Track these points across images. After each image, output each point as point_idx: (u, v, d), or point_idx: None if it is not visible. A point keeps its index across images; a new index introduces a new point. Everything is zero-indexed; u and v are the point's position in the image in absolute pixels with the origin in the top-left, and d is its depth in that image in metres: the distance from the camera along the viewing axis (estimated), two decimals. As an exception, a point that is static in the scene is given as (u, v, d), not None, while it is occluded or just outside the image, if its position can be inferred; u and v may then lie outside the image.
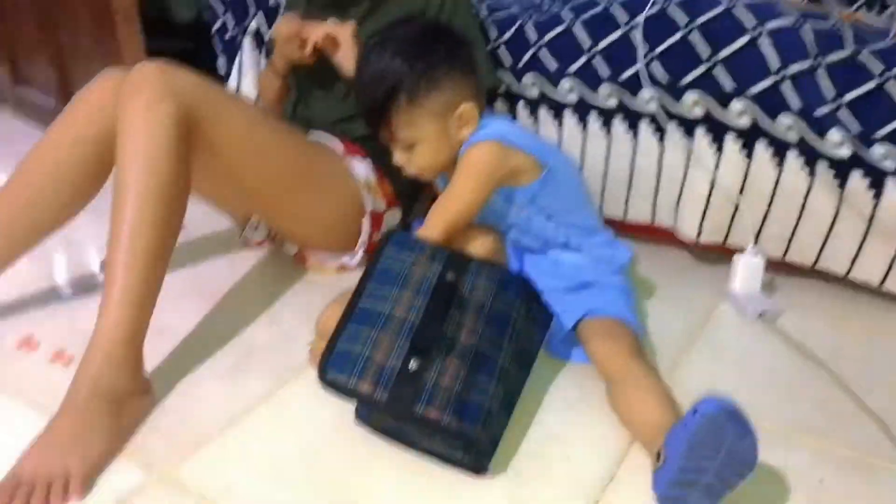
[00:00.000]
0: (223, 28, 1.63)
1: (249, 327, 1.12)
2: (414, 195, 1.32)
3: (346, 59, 1.16)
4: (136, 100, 0.94)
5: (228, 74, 1.62)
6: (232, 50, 1.61)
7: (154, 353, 0.97)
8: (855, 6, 1.42)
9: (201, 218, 1.00)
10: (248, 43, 1.57)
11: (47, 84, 1.96)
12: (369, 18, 1.22)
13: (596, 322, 1.01)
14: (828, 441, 0.89)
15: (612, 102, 1.23)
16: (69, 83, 1.88)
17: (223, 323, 1.12)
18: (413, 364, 0.82)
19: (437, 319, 0.85)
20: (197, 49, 2.06)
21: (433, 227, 0.99)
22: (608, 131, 1.26)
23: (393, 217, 1.29)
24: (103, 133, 1.00)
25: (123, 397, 0.87)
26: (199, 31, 2.28)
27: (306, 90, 1.31)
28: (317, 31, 1.17)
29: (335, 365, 0.83)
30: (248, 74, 1.58)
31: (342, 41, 1.16)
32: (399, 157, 1.04)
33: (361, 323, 0.86)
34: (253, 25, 1.56)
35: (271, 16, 1.54)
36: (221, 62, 1.67)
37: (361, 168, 1.22)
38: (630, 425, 0.88)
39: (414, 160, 1.03)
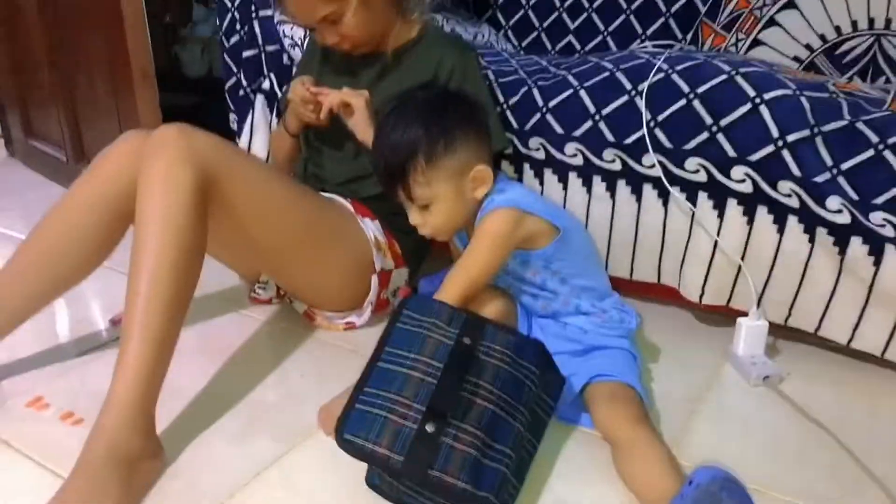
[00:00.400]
0: (236, 85, 1.67)
1: (258, 387, 1.12)
2: (420, 255, 1.35)
3: (359, 124, 1.20)
4: (157, 162, 0.96)
5: (240, 131, 1.66)
6: (244, 107, 1.65)
7: (163, 413, 0.98)
8: (847, 76, 1.47)
9: (209, 275, 1.02)
10: (259, 101, 1.61)
11: (59, 138, 2.00)
12: (380, 83, 1.26)
13: (602, 386, 1.02)
14: (835, 510, 0.90)
15: (616, 166, 1.27)
16: (81, 138, 1.92)
17: (232, 383, 1.13)
18: (429, 427, 0.83)
19: (453, 383, 0.86)
20: (208, 104, 2.12)
21: (451, 291, 1.01)
22: (612, 194, 1.29)
23: (400, 276, 1.31)
24: (123, 193, 1.03)
25: (136, 461, 0.87)
26: (209, 86, 2.35)
27: (317, 150, 1.34)
28: (332, 98, 1.21)
29: (352, 426, 0.83)
30: (259, 132, 1.61)
31: (356, 108, 1.20)
32: (415, 218, 1.07)
33: (379, 385, 0.86)
34: (265, 84, 1.61)
35: (283, 75, 1.59)
36: (232, 118, 1.70)
37: (371, 228, 1.25)
38: (635, 491, 0.89)
39: (430, 220, 1.06)
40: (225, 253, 1.21)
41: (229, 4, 1.66)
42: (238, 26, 1.65)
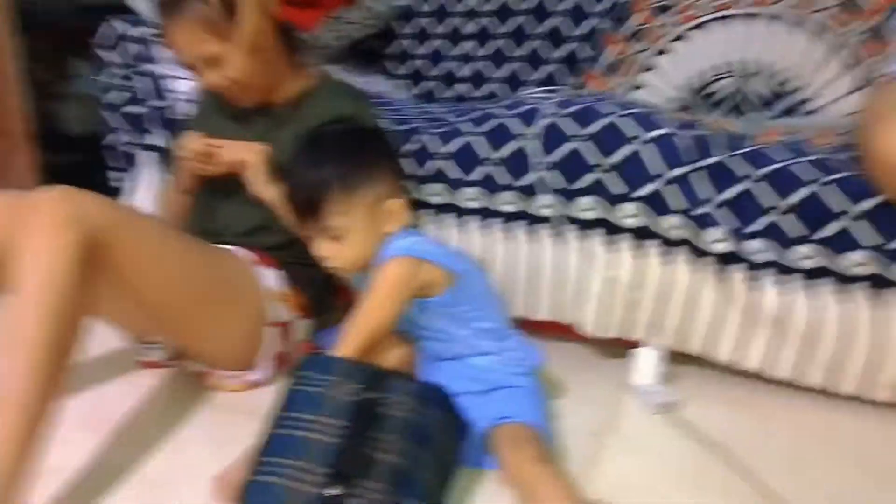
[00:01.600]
0: (117, 142, 1.60)
1: (149, 461, 1.05)
2: (325, 305, 1.31)
3: (256, 181, 1.18)
4: (37, 228, 0.90)
5: (124, 189, 1.58)
6: (127, 163, 1.58)
7: (42, 497, 0.89)
8: (715, 115, 1.57)
9: (92, 336, 0.96)
10: (143, 158, 1.55)
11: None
12: (276, 133, 1.24)
13: (505, 429, 1.01)
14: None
15: (511, 208, 1.29)
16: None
17: (120, 456, 1.05)
18: (333, 490, 0.79)
19: (356, 441, 0.84)
20: (91, 162, 2.02)
21: (350, 342, 0.99)
22: (509, 235, 1.31)
23: (302, 328, 1.27)
24: None
25: None
26: (92, 144, 2.24)
27: (212, 203, 1.29)
28: (229, 153, 1.18)
29: (253, 498, 0.80)
30: (144, 188, 1.55)
31: (252, 165, 1.17)
32: (325, 249, 1.06)
33: (277, 454, 0.83)
34: (148, 140, 1.55)
35: (167, 129, 1.54)
36: (115, 177, 1.63)
37: (272, 278, 1.21)
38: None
39: (342, 252, 1.05)
40: (110, 314, 1.13)
41: (108, 60, 1.60)
42: (117, 82, 1.59)
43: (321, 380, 0.89)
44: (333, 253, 1.06)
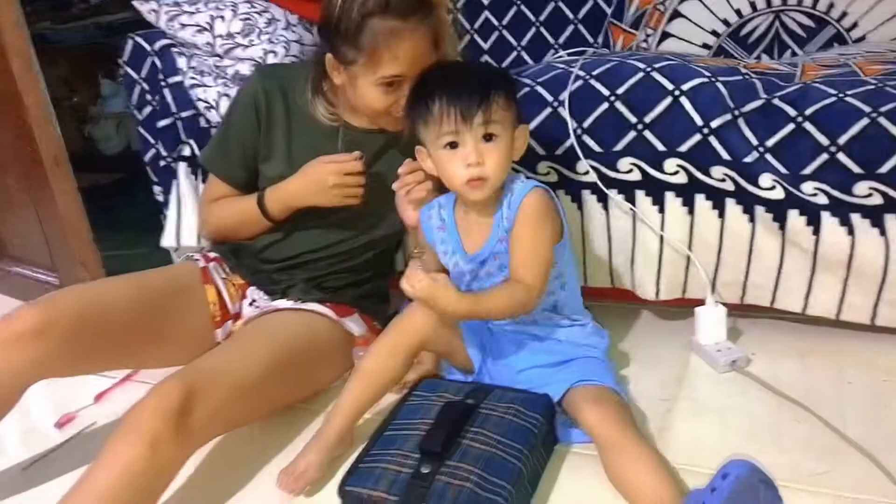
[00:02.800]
0: (156, 157, 1.62)
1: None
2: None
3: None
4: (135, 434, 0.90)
5: (167, 202, 1.61)
6: (167, 178, 1.60)
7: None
8: (755, 56, 1.51)
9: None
10: (182, 169, 1.56)
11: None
12: (385, 155, 1.23)
13: (585, 391, 1.00)
14: (823, 485, 0.90)
15: (552, 178, 1.27)
16: (0, 236, 1.84)
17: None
18: (424, 468, 0.88)
19: (445, 426, 0.93)
20: (129, 180, 2.06)
21: (537, 277, 0.99)
22: (553, 206, 1.29)
23: None
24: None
25: None
26: (129, 162, 2.28)
27: (288, 227, 1.27)
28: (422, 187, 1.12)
29: (353, 481, 0.91)
30: (186, 200, 1.56)
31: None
32: (478, 151, 0.98)
33: (383, 447, 0.95)
34: (186, 151, 1.56)
35: (202, 140, 1.55)
36: (157, 191, 1.65)
37: (355, 325, 1.23)
38: (629, 497, 0.88)
39: (493, 155, 0.99)
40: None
41: (135, 76, 1.61)
42: (149, 97, 1.60)
43: (430, 395, 1.02)
44: (485, 156, 0.99)
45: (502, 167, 1.01)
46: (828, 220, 1.11)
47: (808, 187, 1.10)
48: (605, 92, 1.20)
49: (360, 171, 1.16)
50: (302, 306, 1.21)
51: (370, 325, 1.27)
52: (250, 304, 1.28)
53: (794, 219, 1.12)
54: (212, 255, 1.32)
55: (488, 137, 0.99)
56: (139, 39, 1.61)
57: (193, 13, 1.59)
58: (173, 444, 0.90)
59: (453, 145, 0.99)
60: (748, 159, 1.12)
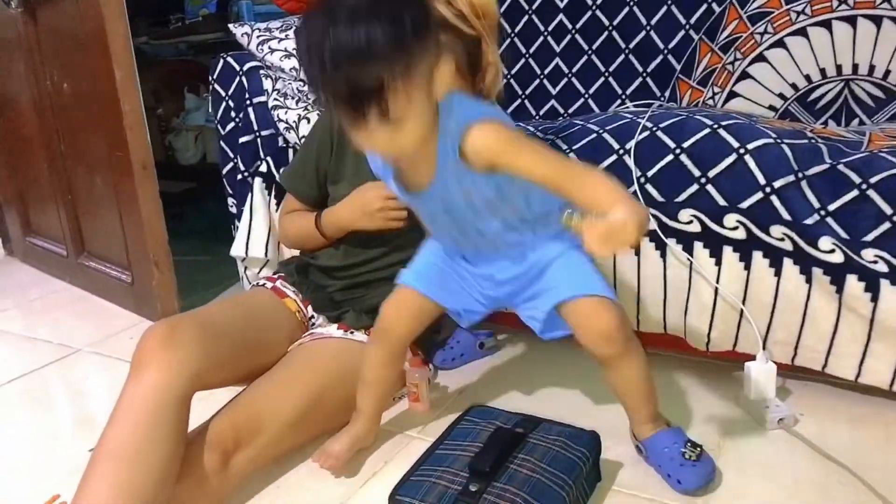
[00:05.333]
0: (234, 170, 1.71)
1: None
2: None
3: None
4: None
5: (239, 214, 1.69)
6: (242, 191, 1.69)
7: None
8: (822, 121, 1.53)
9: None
10: (258, 184, 1.65)
11: (59, 233, 2.03)
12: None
13: (581, 306, 0.98)
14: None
15: (611, 223, 1.30)
16: (81, 232, 1.95)
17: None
18: (473, 486, 0.92)
19: (495, 450, 0.97)
20: (202, 190, 2.17)
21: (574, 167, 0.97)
22: (610, 250, 1.32)
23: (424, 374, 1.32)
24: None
25: None
26: (203, 172, 2.40)
27: (343, 245, 1.36)
28: None
29: (404, 492, 0.95)
30: (258, 213, 1.64)
31: None
32: (377, 142, 0.86)
33: (433, 464, 1.00)
34: (262, 167, 1.65)
35: (279, 158, 1.63)
36: (231, 202, 1.74)
37: (416, 373, 1.29)
38: (625, 393, 1.06)
39: (398, 141, 0.85)
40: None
41: (223, 93, 1.72)
42: (233, 114, 1.70)
43: (482, 421, 1.06)
44: (388, 145, 0.86)
45: (418, 137, 0.87)
46: (887, 289, 1.11)
47: (868, 254, 1.11)
48: (671, 144, 1.23)
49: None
50: (351, 337, 1.27)
51: (411, 347, 1.29)
52: (310, 319, 1.35)
53: (853, 284, 1.13)
54: (274, 276, 1.41)
55: (394, 123, 0.83)
56: (230, 60, 1.72)
57: (283, 39, 1.70)
58: (217, 481, 1.01)
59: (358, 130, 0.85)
60: (809, 221, 1.14)
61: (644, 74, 1.77)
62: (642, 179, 1.25)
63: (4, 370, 1.62)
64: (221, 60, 1.72)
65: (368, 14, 0.78)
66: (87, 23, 1.64)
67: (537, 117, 1.91)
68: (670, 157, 1.23)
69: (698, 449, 1.03)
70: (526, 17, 1.91)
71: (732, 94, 1.64)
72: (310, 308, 1.35)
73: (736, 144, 1.19)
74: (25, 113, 2.02)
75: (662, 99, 1.74)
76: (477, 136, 0.88)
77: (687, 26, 1.71)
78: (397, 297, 1.11)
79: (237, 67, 1.71)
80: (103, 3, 1.59)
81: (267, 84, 1.67)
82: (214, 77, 1.73)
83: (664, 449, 1.04)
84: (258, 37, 1.71)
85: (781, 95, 1.58)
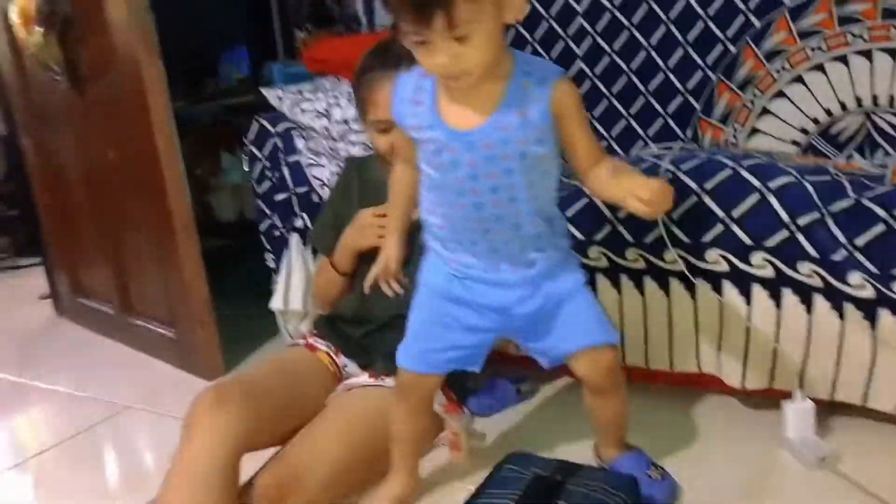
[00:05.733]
0: (271, 227, 1.77)
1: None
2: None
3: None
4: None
5: (278, 269, 1.75)
6: (279, 246, 1.75)
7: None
8: (846, 155, 1.54)
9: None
10: (294, 239, 1.71)
11: (106, 292, 2.11)
12: None
13: (587, 354, 1.07)
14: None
15: (640, 264, 1.32)
16: (128, 290, 2.02)
17: None
18: None
19: (535, 498, 1.00)
20: (240, 247, 2.23)
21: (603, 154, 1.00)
22: (641, 291, 1.34)
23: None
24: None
25: None
26: (240, 229, 2.48)
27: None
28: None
29: None
30: (295, 267, 1.70)
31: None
32: (448, 57, 0.84)
33: None
34: (298, 223, 1.71)
35: (314, 213, 1.69)
36: (269, 258, 1.80)
37: (454, 420, 1.31)
38: (598, 421, 1.14)
39: (468, 56, 0.85)
40: None
41: (259, 154, 1.80)
42: (269, 173, 1.77)
43: (522, 470, 1.07)
44: (455, 61, 0.85)
45: (481, 59, 0.86)
46: (921, 321, 1.11)
47: (899, 287, 1.12)
48: (694, 186, 1.26)
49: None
50: (382, 383, 1.30)
51: (447, 394, 1.32)
52: (343, 368, 1.40)
53: (886, 318, 1.13)
54: (306, 333, 1.47)
55: (461, 39, 0.83)
56: (264, 122, 1.80)
57: (313, 100, 1.77)
58: None
59: (422, 42, 0.85)
60: (836, 257, 1.15)
61: (665, 116, 1.80)
62: (667, 221, 1.27)
63: (55, 430, 1.69)
64: (256, 123, 1.80)
65: None
66: (129, 94, 1.73)
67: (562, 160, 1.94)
68: (693, 198, 1.25)
69: (661, 469, 1.14)
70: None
71: (754, 131, 1.66)
72: (342, 356, 1.40)
73: (758, 184, 1.21)
74: (74, 181, 2.13)
75: (685, 139, 1.77)
76: (567, 88, 0.92)
77: (704, 66, 1.74)
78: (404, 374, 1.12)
79: (271, 129, 1.78)
80: (144, 76, 1.68)
81: (300, 143, 1.74)
82: (250, 139, 1.81)
83: (631, 470, 1.11)
84: (290, 99, 1.79)
85: (804, 130, 1.60)
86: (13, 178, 2.89)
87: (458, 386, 1.37)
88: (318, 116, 1.74)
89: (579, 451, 1.20)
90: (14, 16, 1.97)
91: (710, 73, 1.72)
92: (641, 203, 0.89)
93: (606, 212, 1.33)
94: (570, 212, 1.36)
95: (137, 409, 1.72)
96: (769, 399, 1.30)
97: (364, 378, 1.33)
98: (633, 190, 0.90)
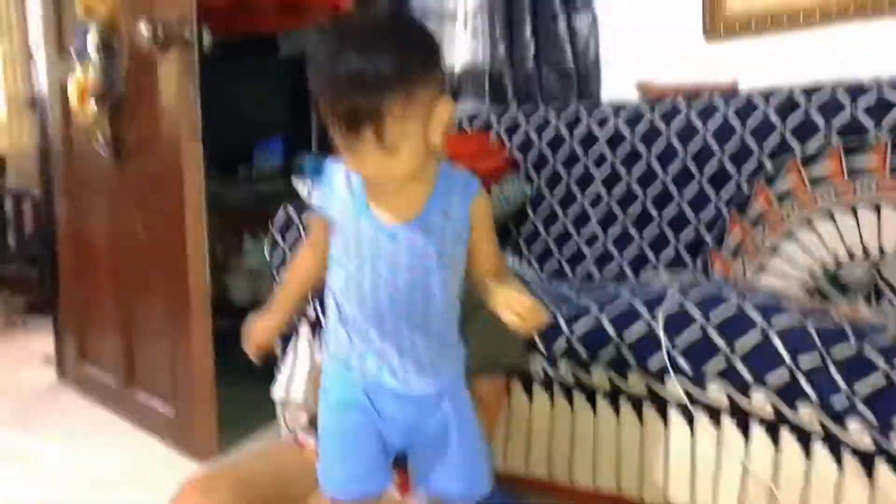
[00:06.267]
0: (282, 314, 1.80)
1: None
2: None
3: None
4: None
5: (283, 357, 1.76)
6: (288, 335, 1.77)
7: None
8: (854, 300, 1.56)
9: None
10: (304, 329, 1.73)
11: (111, 362, 2.13)
12: None
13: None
14: None
15: (641, 390, 1.33)
16: (133, 363, 2.04)
17: None
18: None
19: None
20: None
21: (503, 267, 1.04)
22: (640, 417, 1.34)
23: None
24: None
25: None
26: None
27: None
28: None
29: None
30: (301, 359, 1.71)
31: None
32: (372, 165, 0.87)
33: None
34: (310, 311, 1.74)
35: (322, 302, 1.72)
36: (277, 344, 1.82)
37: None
38: None
39: (393, 167, 0.88)
40: None
41: (281, 242, 1.85)
42: (288, 258, 1.82)
43: None
44: (382, 169, 0.88)
45: (412, 168, 0.90)
46: (920, 478, 1.10)
47: (898, 440, 1.11)
48: (698, 316, 1.28)
49: None
50: None
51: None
52: None
53: (884, 472, 1.12)
54: (300, 430, 1.48)
55: (389, 151, 0.86)
56: (291, 211, 1.87)
57: (340, 197, 1.84)
58: None
59: (351, 150, 0.88)
60: (837, 404, 1.15)
61: (677, 246, 1.85)
62: (671, 350, 1.29)
63: (37, 499, 1.67)
64: (282, 211, 1.87)
65: (380, 41, 0.84)
66: (167, 171, 1.82)
67: (573, 279, 1.99)
68: (699, 331, 1.27)
69: None
70: (565, 189, 2.05)
71: (762, 268, 1.70)
72: None
73: (761, 322, 1.23)
74: (99, 246, 2.20)
75: (695, 269, 1.80)
76: (484, 200, 1.00)
77: (718, 201, 1.81)
78: None
79: (295, 218, 1.85)
80: (183, 156, 1.77)
81: (321, 236, 1.80)
82: (276, 227, 1.87)
83: None
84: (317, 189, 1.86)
85: (811, 273, 1.63)
86: (40, 239, 2.98)
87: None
88: (342, 211, 1.80)
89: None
90: (73, 88, 2.11)
91: (723, 209, 1.78)
92: (516, 317, 0.93)
93: (611, 332, 1.35)
94: (578, 327, 1.38)
95: (122, 485, 1.70)
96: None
97: None
98: (508, 302, 0.94)
